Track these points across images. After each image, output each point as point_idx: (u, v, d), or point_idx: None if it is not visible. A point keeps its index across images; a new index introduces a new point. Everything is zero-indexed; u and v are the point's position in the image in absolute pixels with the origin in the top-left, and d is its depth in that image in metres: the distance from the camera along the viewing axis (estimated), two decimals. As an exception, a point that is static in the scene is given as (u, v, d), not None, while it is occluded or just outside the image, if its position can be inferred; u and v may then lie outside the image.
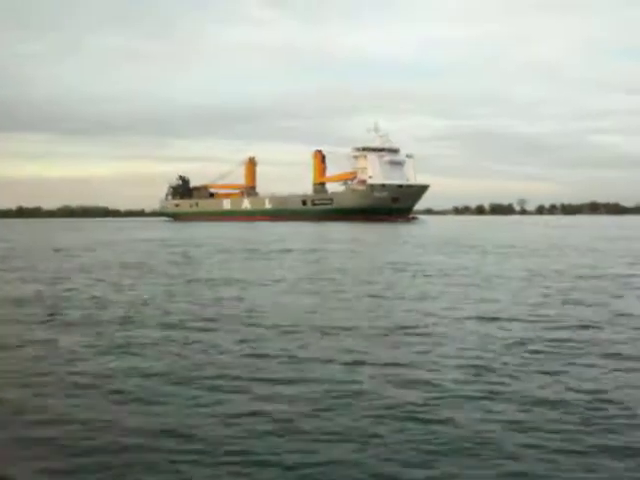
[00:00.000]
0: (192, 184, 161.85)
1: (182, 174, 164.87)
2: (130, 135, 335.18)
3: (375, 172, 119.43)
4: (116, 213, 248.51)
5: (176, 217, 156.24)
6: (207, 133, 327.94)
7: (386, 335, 11.54)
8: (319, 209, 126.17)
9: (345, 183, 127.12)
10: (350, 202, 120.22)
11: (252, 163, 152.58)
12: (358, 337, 11.37)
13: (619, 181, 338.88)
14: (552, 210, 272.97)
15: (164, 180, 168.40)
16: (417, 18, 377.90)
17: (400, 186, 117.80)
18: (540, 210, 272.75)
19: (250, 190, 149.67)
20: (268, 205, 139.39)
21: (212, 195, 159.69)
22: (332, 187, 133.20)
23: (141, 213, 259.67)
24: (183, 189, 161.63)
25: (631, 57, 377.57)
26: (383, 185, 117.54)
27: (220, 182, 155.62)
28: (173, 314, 14.06)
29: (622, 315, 13.45)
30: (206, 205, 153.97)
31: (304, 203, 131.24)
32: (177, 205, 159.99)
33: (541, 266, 25.06)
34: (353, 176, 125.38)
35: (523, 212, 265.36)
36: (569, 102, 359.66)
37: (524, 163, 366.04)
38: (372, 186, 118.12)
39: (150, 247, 42.08)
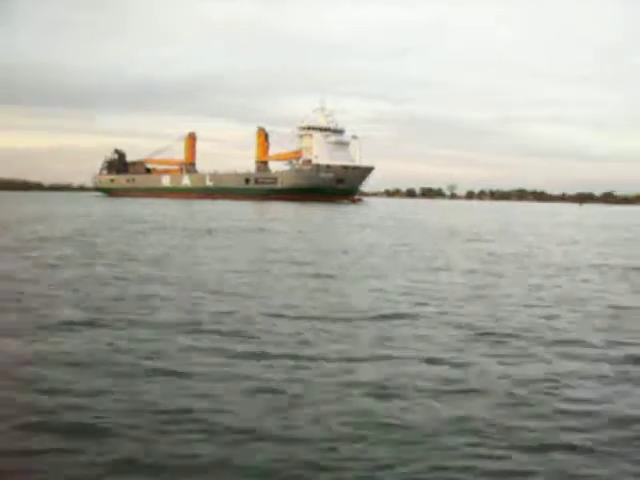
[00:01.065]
0: (128, 159, 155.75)
1: (118, 148, 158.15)
2: (55, 107, 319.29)
3: (321, 152, 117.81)
4: (38, 187, 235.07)
5: (111, 192, 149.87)
6: (142, 108, 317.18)
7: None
8: (262, 188, 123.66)
9: (290, 162, 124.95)
10: (295, 182, 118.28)
11: (192, 138, 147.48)
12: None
13: (546, 170, 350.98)
14: (481, 196, 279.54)
15: (95, 155, 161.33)
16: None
17: (345, 167, 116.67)
18: (470, 195, 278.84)
19: (189, 167, 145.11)
20: (209, 182, 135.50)
21: (149, 171, 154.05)
22: (275, 166, 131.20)
23: (68, 188, 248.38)
24: (119, 164, 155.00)
25: (569, 49, 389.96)
26: (328, 166, 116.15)
27: (158, 157, 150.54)
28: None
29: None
30: (143, 181, 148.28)
31: (247, 181, 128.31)
32: (112, 180, 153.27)
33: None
34: (297, 155, 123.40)
35: (453, 197, 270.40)
36: (506, 91, 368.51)
37: (457, 148, 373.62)
38: (317, 166, 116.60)
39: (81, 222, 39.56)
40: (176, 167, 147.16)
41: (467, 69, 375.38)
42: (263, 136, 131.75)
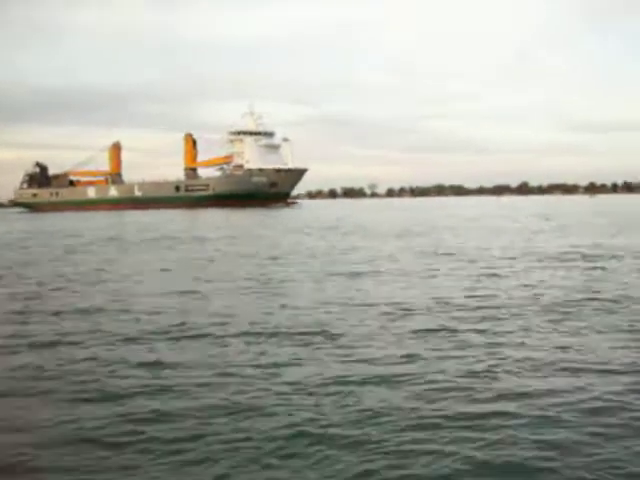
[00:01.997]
0: (50, 172, 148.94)
1: (39, 161, 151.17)
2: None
3: (252, 156, 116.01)
4: None
5: (33, 208, 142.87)
6: (60, 119, 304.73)
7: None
8: (194, 196, 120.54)
9: (221, 168, 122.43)
10: (227, 187, 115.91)
11: (117, 148, 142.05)
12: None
13: (463, 165, 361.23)
14: (401, 193, 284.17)
15: (10, 168, 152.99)
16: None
17: (278, 170, 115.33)
18: (390, 193, 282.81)
19: (115, 177, 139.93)
20: (138, 192, 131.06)
21: (72, 183, 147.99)
22: (205, 172, 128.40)
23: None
24: (41, 177, 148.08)
25: (481, 49, 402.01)
26: (261, 170, 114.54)
27: (81, 169, 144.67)
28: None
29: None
30: (68, 194, 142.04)
31: (177, 189, 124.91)
32: (34, 195, 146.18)
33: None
34: (228, 161, 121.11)
35: (373, 195, 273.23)
36: (421, 90, 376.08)
37: (376, 147, 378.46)
38: (250, 171, 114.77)
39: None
40: (101, 178, 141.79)
41: (377, 69, 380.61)
42: (191, 143, 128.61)
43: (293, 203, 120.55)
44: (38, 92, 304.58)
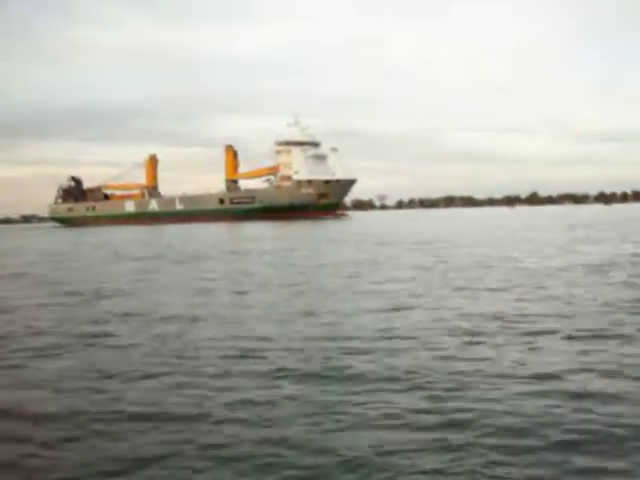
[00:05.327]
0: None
1: (74, 175, 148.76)
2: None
3: (300, 167, 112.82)
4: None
5: (69, 222, 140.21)
6: (73, 135, 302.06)
7: None
8: (240, 208, 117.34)
9: (267, 179, 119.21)
10: (275, 199, 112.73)
11: (153, 161, 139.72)
12: None
13: (472, 176, 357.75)
14: (411, 204, 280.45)
15: (29, 185, 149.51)
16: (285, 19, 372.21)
17: (327, 181, 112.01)
18: (399, 205, 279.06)
19: (152, 190, 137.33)
20: (179, 206, 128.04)
21: (107, 197, 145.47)
22: (245, 184, 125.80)
23: (8, 221, 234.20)
24: (77, 191, 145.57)
25: (489, 63, 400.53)
26: (309, 181, 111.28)
27: (115, 183, 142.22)
28: None
29: None
30: (105, 208, 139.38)
31: (221, 202, 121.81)
32: (70, 209, 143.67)
33: None
34: (274, 172, 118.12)
35: (383, 207, 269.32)
36: (426, 102, 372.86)
37: (385, 160, 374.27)
38: (299, 182, 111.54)
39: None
40: (137, 191, 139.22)
41: (383, 82, 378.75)
42: (232, 154, 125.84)
43: (343, 215, 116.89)
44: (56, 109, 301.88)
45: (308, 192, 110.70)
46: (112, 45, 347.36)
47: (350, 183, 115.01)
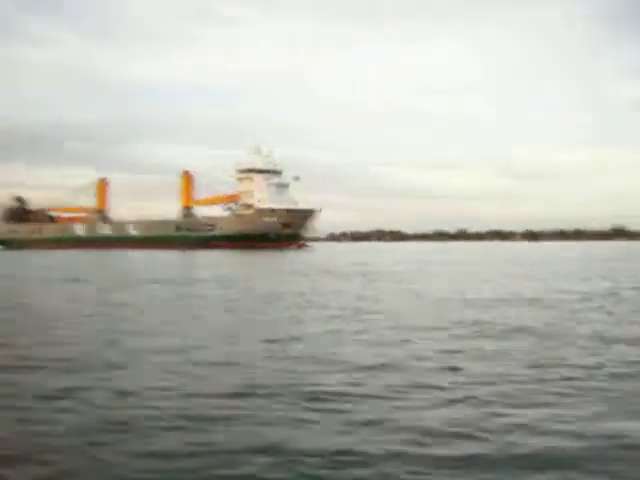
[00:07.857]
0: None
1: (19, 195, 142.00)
2: None
3: (262, 195, 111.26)
4: None
5: (11, 244, 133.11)
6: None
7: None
8: (198, 236, 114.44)
9: (228, 207, 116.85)
10: (236, 228, 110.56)
11: (104, 184, 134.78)
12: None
13: (403, 211, 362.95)
14: (342, 237, 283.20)
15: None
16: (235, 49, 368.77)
17: (289, 210, 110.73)
18: (332, 237, 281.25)
19: (101, 214, 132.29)
20: (133, 231, 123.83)
21: (52, 219, 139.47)
22: (200, 211, 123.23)
23: None
24: (21, 212, 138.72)
25: (425, 95, 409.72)
26: (272, 209, 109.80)
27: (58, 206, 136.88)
28: None
29: None
30: (52, 230, 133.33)
31: (178, 228, 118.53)
32: (13, 231, 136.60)
33: None
34: (234, 199, 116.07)
35: (314, 239, 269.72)
36: (363, 135, 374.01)
37: (318, 192, 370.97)
38: (261, 210, 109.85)
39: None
40: (84, 214, 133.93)
41: (320, 114, 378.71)
42: (187, 180, 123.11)
43: (304, 245, 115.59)
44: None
45: (271, 221, 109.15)
46: (47, 64, 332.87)
47: (311, 213, 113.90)
